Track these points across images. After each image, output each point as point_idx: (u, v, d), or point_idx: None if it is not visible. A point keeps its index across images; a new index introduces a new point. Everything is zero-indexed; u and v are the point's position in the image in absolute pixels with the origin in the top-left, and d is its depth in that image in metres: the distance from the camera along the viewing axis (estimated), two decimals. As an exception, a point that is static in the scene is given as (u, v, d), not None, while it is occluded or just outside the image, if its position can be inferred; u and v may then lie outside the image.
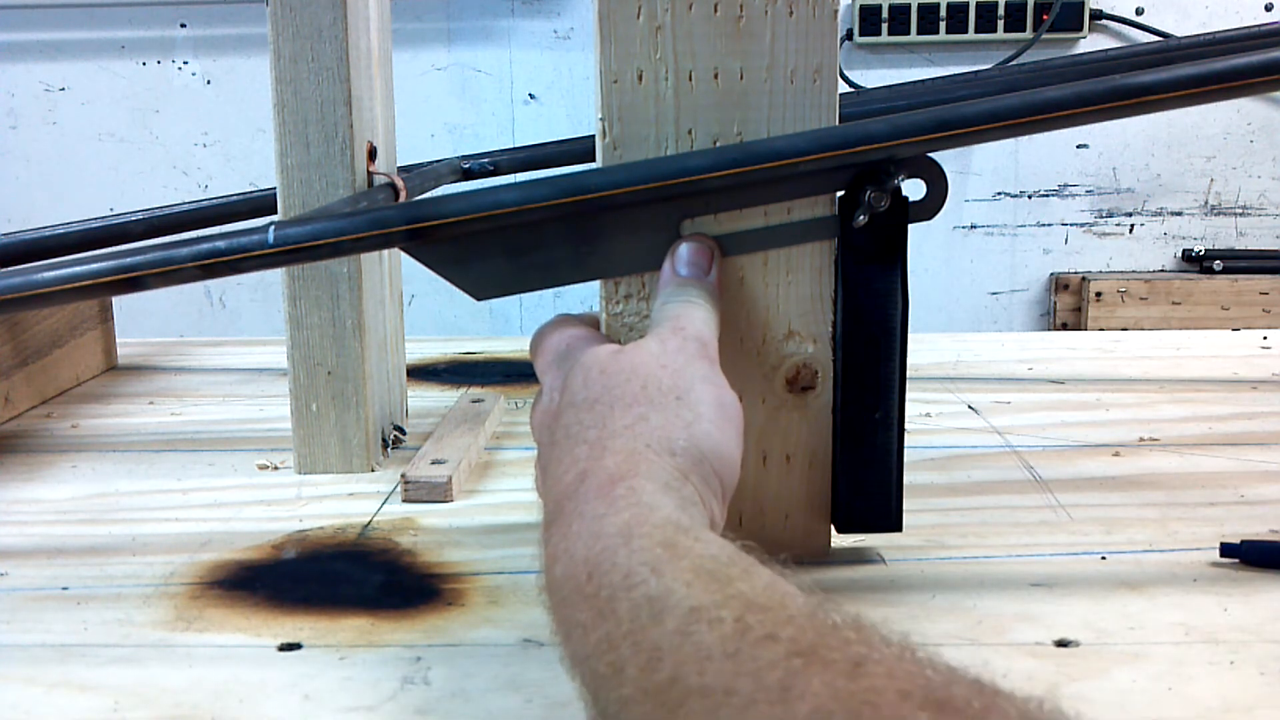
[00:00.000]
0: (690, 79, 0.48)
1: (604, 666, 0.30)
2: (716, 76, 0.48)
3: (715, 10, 0.47)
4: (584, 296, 1.92)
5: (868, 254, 0.49)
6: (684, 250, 0.48)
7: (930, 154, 0.48)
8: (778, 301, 0.50)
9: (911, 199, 0.49)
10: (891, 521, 0.51)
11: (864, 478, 0.50)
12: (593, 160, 0.50)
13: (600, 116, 0.48)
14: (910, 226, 0.49)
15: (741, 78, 0.48)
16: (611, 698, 0.29)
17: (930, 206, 0.49)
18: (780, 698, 0.24)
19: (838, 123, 0.49)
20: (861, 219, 0.47)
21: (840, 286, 0.49)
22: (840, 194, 0.49)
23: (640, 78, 0.48)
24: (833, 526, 0.52)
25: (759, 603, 0.28)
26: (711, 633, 0.27)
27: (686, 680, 0.27)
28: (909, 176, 0.48)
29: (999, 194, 1.96)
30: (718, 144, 0.48)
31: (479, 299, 0.50)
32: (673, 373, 0.41)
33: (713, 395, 0.41)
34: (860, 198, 0.47)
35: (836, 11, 0.48)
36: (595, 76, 0.48)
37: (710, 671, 0.26)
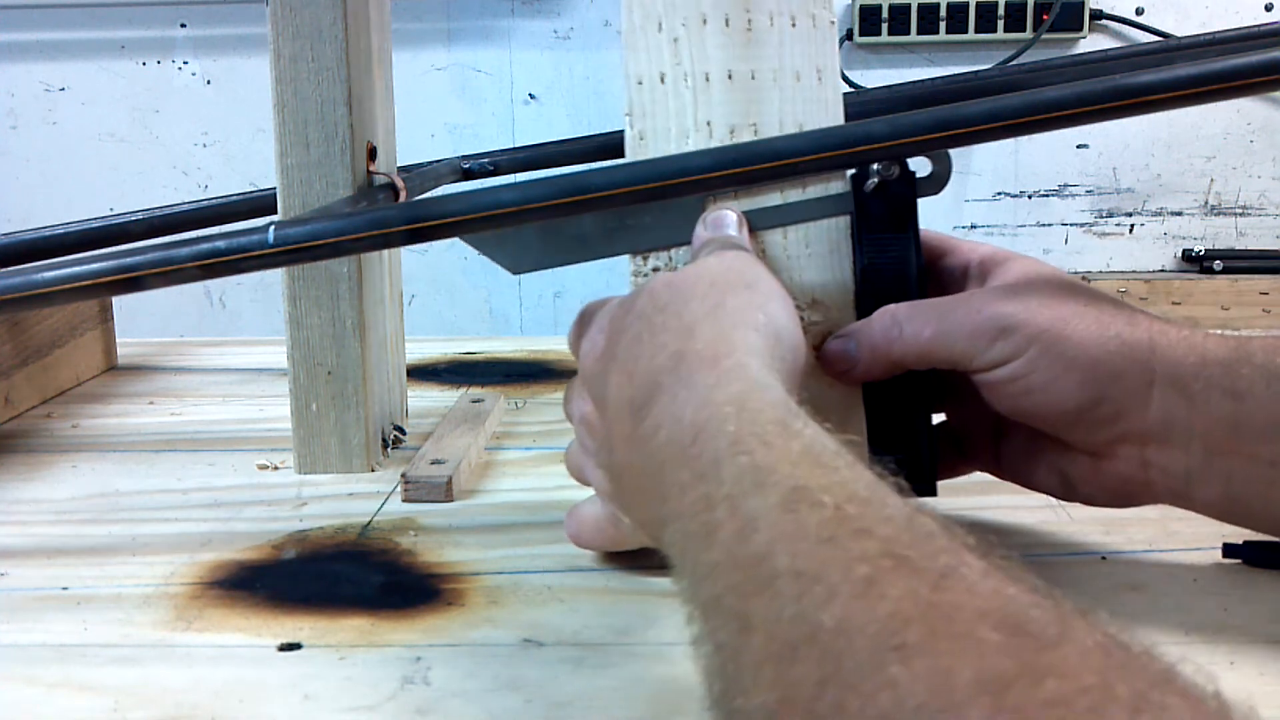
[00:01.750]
0: (707, 79, 0.52)
1: (696, 525, 0.30)
2: (730, 77, 0.52)
3: (727, 24, 0.52)
4: (585, 296, 1.92)
5: (882, 223, 0.51)
6: (713, 216, 0.51)
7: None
8: (799, 272, 0.52)
9: (919, 175, 0.52)
10: (925, 484, 0.52)
11: (893, 443, 0.52)
12: (593, 160, 0.51)
13: (627, 113, 0.52)
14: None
15: (753, 78, 0.52)
16: (701, 560, 0.29)
17: (937, 181, 0.52)
18: (864, 593, 0.24)
19: (841, 112, 0.52)
20: (872, 184, 0.51)
21: (859, 252, 0.52)
22: (851, 170, 0.52)
23: (662, 79, 0.52)
24: None
25: (860, 495, 0.28)
26: (811, 515, 0.27)
27: (777, 559, 0.27)
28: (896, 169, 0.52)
29: (999, 194, 1.96)
30: (734, 133, 0.52)
31: (515, 273, 0.54)
32: (738, 271, 0.44)
33: (776, 285, 0.45)
34: (869, 168, 0.51)
35: (833, 22, 0.53)
36: (623, 77, 0.53)
37: (802, 555, 0.26)
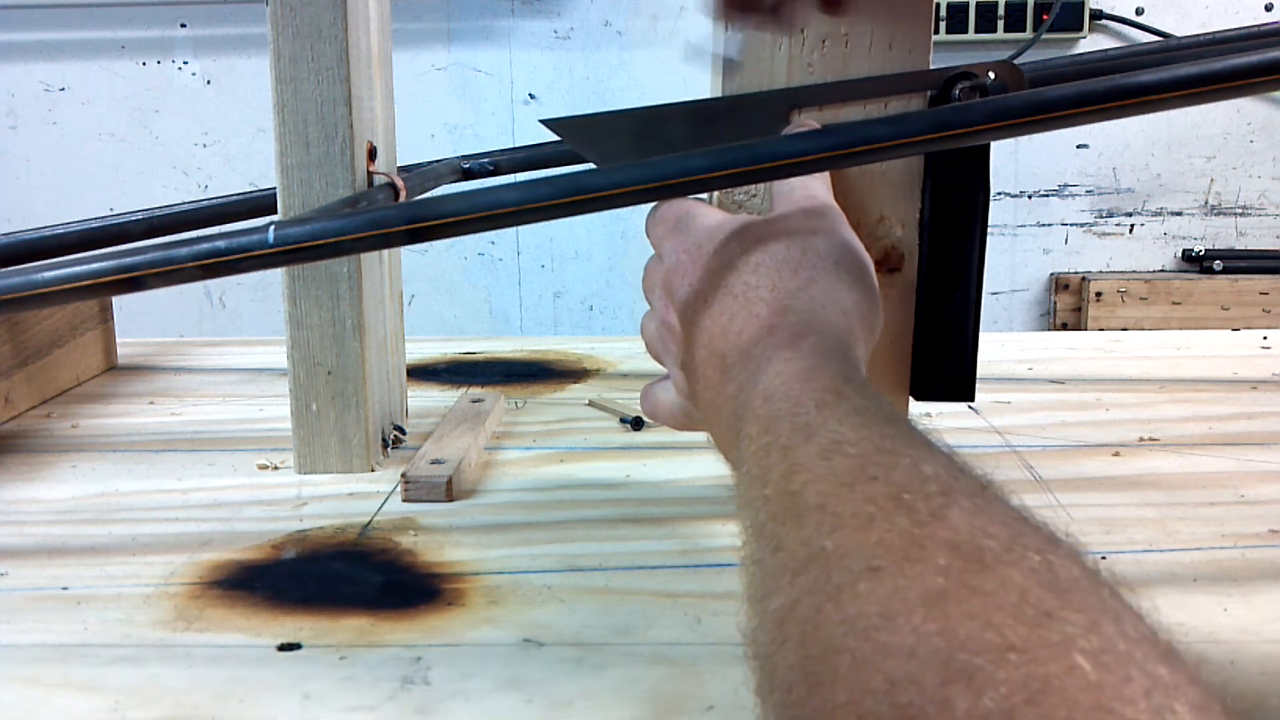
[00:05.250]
0: None
1: (756, 468, 0.36)
2: None
3: None
4: (584, 296, 1.92)
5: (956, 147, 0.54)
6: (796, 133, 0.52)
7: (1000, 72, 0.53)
8: (871, 188, 0.54)
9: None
10: (966, 392, 0.56)
11: (942, 353, 0.55)
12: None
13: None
14: None
15: None
16: (756, 494, 0.35)
17: None
18: (862, 526, 0.29)
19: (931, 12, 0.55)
20: None
21: (928, 176, 0.54)
22: (933, 92, 0.53)
23: None
24: (911, 397, 0.56)
25: (885, 448, 0.33)
26: (840, 463, 0.33)
27: (807, 497, 0.32)
28: (995, 80, 0.53)
29: (999, 194, 1.96)
30: (825, 43, 0.53)
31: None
32: (824, 238, 0.47)
33: (860, 258, 0.48)
34: (950, 95, 0.52)
35: None
36: None
37: (826, 494, 0.32)
